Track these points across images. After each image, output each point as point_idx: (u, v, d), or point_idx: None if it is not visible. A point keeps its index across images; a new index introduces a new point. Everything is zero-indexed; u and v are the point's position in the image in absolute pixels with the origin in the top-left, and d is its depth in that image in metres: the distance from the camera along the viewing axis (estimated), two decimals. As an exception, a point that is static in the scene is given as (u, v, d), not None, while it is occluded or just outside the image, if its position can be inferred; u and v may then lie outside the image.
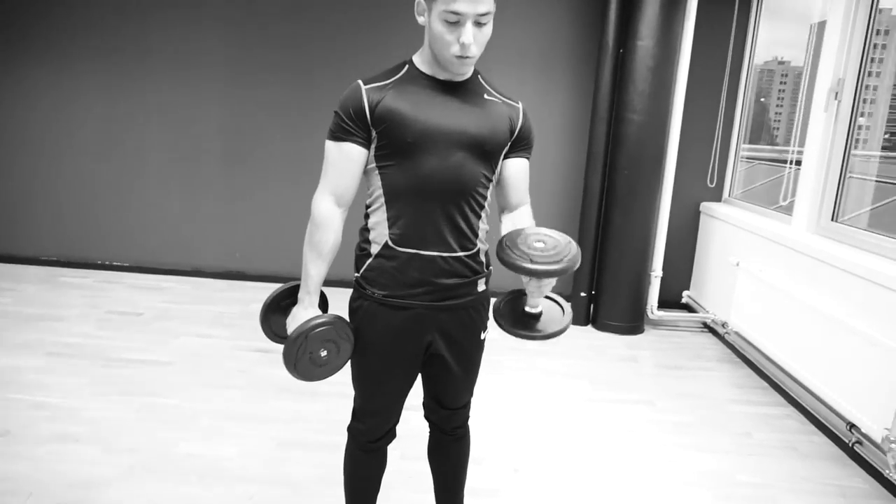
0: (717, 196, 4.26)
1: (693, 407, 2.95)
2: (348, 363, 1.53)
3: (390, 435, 1.64)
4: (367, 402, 1.60)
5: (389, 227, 1.44)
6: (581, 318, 4.01)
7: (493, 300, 1.54)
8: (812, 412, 2.83)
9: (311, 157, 4.41)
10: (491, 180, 1.49)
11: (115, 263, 4.59)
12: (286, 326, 1.56)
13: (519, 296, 1.51)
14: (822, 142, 3.09)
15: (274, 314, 1.60)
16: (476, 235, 1.48)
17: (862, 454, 2.48)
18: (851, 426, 2.52)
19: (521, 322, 1.47)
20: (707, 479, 2.37)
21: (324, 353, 1.47)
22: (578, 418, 2.79)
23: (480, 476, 2.26)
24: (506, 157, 1.50)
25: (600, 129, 3.86)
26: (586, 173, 3.97)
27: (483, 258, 1.52)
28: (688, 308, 4.28)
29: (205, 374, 3.00)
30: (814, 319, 2.77)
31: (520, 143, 1.51)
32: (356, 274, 1.53)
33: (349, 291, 1.57)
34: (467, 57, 1.34)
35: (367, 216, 1.50)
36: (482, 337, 1.59)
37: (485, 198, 1.49)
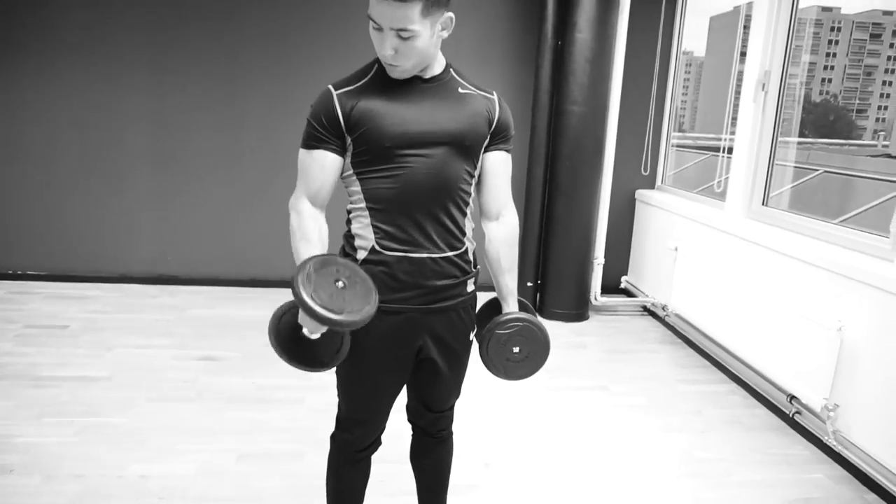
0: (649, 183, 4.43)
1: (644, 389, 3.06)
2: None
3: (377, 443, 1.60)
4: (356, 412, 1.54)
5: (375, 232, 1.39)
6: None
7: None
8: (754, 387, 3.01)
9: (244, 151, 4.25)
10: (473, 176, 1.47)
11: (28, 273, 4.22)
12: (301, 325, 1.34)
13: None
14: (752, 130, 3.26)
15: (285, 331, 1.39)
16: (463, 234, 1.46)
17: (802, 423, 2.66)
18: (792, 398, 2.70)
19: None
20: (668, 457, 2.47)
21: (340, 284, 1.26)
22: (540, 408, 2.83)
23: (455, 472, 2.24)
24: (485, 150, 1.48)
25: (542, 121, 3.91)
26: (529, 164, 4.02)
27: (471, 257, 1.50)
28: (626, 293, 4.44)
29: (148, 388, 2.81)
30: (752, 299, 2.94)
31: (498, 135, 1.48)
32: None
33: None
34: (390, 64, 1.32)
35: (349, 221, 1.46)
36: (471, 338, 1.57)
37: (469, 194, 1.47)
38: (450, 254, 1.43)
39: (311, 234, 1.38)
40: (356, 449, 1.58)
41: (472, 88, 1.46)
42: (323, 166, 1.38)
